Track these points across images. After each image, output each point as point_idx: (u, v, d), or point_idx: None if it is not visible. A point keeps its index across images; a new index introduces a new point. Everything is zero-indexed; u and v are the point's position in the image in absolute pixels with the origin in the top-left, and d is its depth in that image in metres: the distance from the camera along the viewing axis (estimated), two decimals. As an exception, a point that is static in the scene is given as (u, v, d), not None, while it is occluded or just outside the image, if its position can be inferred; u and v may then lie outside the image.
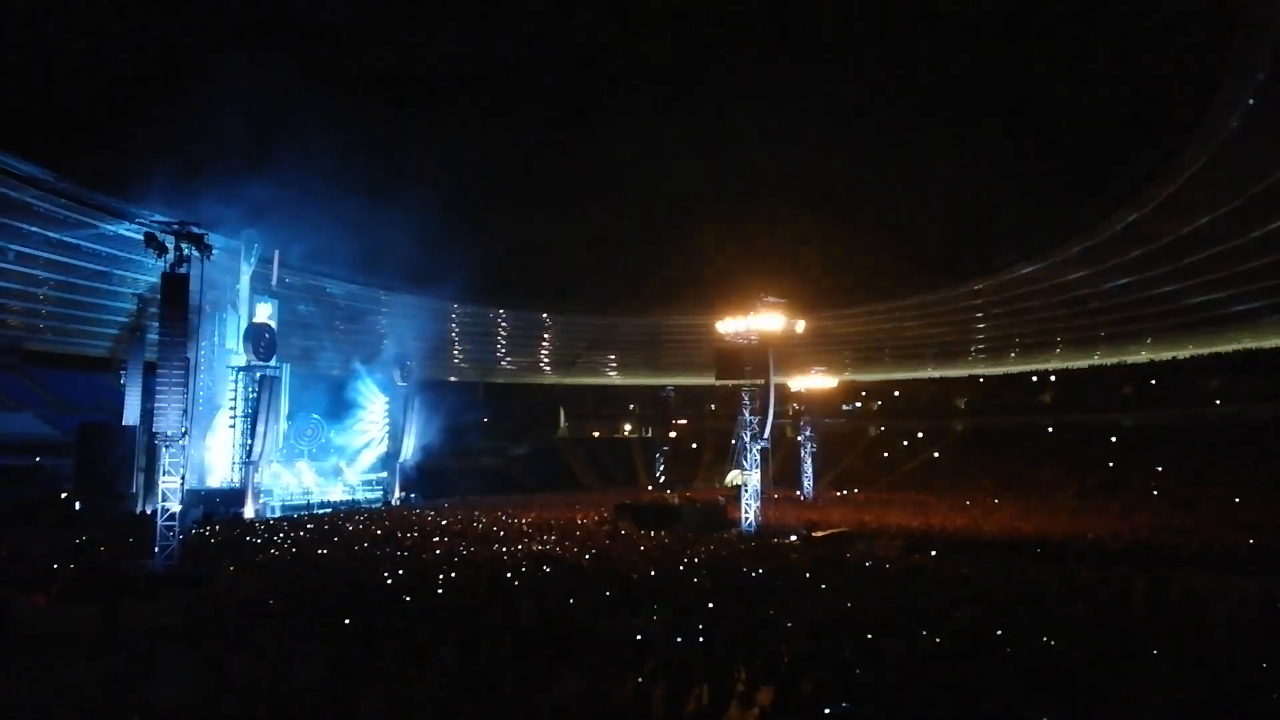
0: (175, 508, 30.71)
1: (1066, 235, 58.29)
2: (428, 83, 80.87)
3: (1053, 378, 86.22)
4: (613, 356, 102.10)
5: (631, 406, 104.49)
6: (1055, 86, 61.66)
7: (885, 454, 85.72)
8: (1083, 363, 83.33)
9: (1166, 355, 76.39)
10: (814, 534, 37.78)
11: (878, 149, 73.36)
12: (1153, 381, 77.90)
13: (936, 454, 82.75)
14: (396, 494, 63.97)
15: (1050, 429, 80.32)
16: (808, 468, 67.54)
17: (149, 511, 38.48)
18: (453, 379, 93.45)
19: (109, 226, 51.54)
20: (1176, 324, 67.09)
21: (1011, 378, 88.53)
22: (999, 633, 17.71)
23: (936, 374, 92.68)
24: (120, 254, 54.81)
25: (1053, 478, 68.07)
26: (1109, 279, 62.71)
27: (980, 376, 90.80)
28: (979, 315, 78.91)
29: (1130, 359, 79.53)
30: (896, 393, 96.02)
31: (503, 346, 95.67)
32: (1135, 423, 75.40)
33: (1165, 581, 24.34)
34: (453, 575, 25.48)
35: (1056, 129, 62.22)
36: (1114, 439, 73.53)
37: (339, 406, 64.38)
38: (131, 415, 46.17)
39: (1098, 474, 66.64)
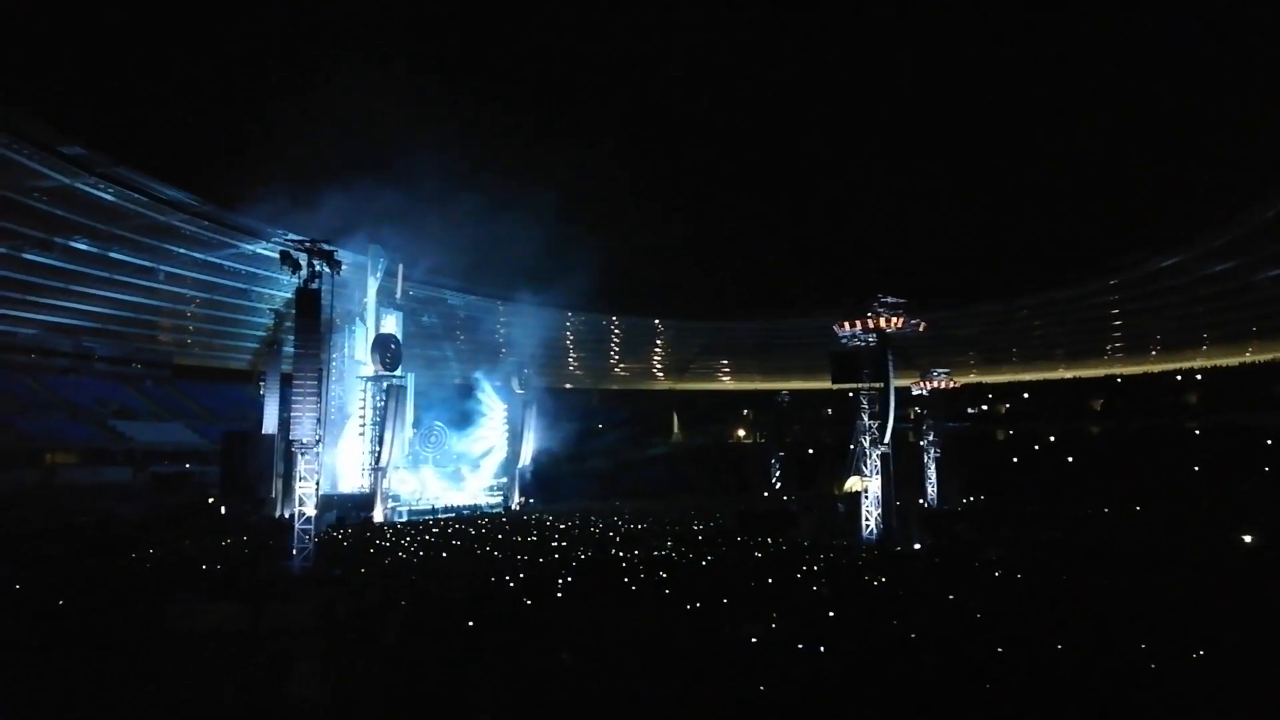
0: (311, 512, 32.26)
1: (1211, 223, 54.49)
2: (547, 99, 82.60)
3: (1199, 376, 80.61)
4: (725, 362, 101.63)
5: (745, 412, 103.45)
6: (1194, 55, 57.68)
7: (1015, 459, 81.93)
8: (1233, 360, 77.60)
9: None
10: (939, 542, 36.43)
11: (1005, 132, 70.24)
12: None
13: (1070, 459, 78.58)
14: (516, 499, 65.22)
15: (1197, 431, 75.07)
16: (932, 474, 65.36)
17: (287, 515, 40.38)
18: (568, 386, 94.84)
19: (247, 246, 54.74)
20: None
21: (1152, 377, 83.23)
22: (1142, 647, 16.66)
23: (1069, 374, 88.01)
24: (258, 271, 58.19)
25: (1199, 484, 63.54)
26: (1261, 270, 58.28)
27: (1118, 376, 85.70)
28: (1115, 312, 74.70)
29: (1288, 355, 73.64)
30: (1026, 394, 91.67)
31: (616, 353, 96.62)
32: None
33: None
34: (570, 580, 25.78)
35: (1197, 107, 58.10)
36: (1269, 441, 68.07)
37: (461, 414, 66.07)
38: (270, 424, 48.50)
39: (1250, 480, 61.79)
